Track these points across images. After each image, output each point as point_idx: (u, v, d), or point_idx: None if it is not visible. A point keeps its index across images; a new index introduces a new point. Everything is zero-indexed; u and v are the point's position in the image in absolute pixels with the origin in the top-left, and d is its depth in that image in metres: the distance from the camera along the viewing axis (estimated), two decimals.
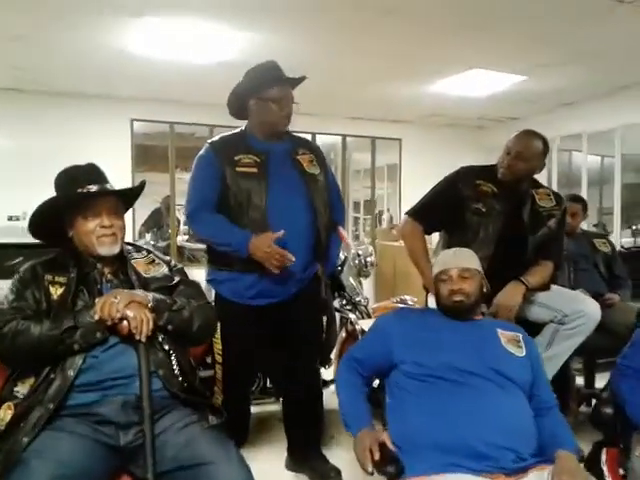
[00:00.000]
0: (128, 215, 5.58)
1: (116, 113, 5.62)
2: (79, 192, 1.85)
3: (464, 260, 2.07)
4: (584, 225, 4.10)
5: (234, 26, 3.86)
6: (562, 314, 2.43)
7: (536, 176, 2.69)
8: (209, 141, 2.42)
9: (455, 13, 3.65)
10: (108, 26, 3.81)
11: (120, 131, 5.71)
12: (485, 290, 2.08)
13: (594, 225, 6.95)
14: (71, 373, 1.69)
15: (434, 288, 2.09)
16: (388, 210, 8.96)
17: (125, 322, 1.71)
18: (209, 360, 2.88)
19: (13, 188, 4.64)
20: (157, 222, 7.18)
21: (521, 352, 1.95)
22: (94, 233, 1.84)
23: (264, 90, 2.30)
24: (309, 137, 6.45)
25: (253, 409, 3.32)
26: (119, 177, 5.18)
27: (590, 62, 4.62)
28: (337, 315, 3.37)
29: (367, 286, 5.91)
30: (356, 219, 9.81)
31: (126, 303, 1.71)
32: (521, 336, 2.01)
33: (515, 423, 1.73)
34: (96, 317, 1.70)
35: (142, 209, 6.84)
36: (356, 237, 9.62)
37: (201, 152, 2.40)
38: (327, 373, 3.29)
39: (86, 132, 5.45)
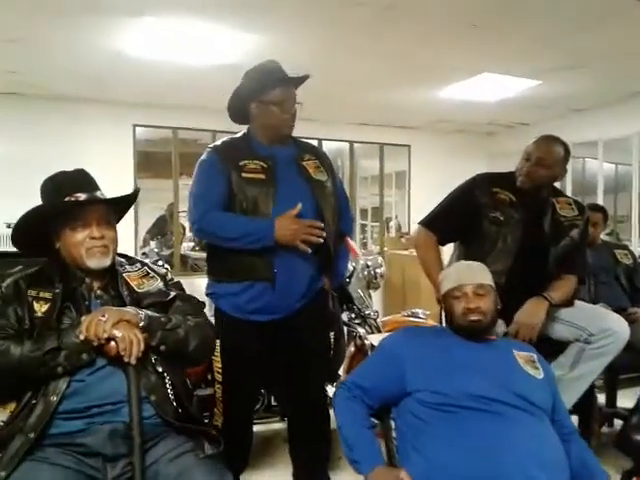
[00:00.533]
0: (130, 223, 5.52)
1: (117, 118, 5.50)
2: (66, 200, 1.71)
3: (478, 275, 1.92)
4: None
5: (237, 27, 3.74)
6: (588, 333, 2.27)
7: None
8: (211, 145, 2.30)
9: (462, 14, 3.51)
10: (107, 28, 3.70)
11: (122, 137, 5.60)
12: (498, 307, 1.93)
13: (607, 234, 6.79)
14: (54, 399, 1.55)
15: (445, 305, 1.93)
16: (396, 217, 8.82)
17: (113, 343, 1.56)
18: (210, 377, 2.75)
19: (12, 195, 4.52)
20: (161, 230, 7.07)
21: (539, 374, 1.81)
22: (83, 245, 1.70)
23: (265, 92, 2.17)
24: (315, 143, 6.33)
25: (257, 428, 3.17)
26: (121, 183, 5.15)
27: (604, 66, 4.49)
28: (345, 329, 3.22)
29: (375, 297, 5.78)
30: (363, 226, 9.70)
31: (114, 322, 1.57)
32: (535, 356, 1.87)
33: (550, 453, 1.59)
34: (81, 337, 1.56)
35: (147, 216, 6.76)
36: (364, 245, 9.53)
37: (203, 157, 2.27)
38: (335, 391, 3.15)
39: (87, 138, 5.35)
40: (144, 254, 7.49)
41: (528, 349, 1.92)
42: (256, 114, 2.22)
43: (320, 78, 4.73)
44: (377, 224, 8.12)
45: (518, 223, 2.39)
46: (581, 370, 2.27)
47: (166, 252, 6.68)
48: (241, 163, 2.16)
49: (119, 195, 1.82)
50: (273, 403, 3.07)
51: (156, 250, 7.52)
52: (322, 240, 2.10)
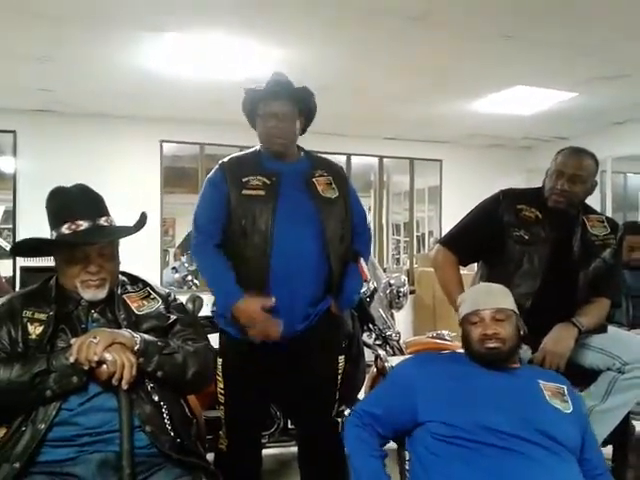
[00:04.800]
0: (155, 235, 5.48)
1: (145, 134, 5.55)
2: (64, 234, 1.63)
3: (498, 299, 1.79)
4: None
5: (263, 42, 3.74)
6: (621, 361, 2.11)
7: (588, 200, 2.38)
8: (220, 161, 2.25)
9: (496, 25, 3.40)
10: (131, 45, 3.74)
11: (149, 152, 5.65)
12: (522, 333, 1.80)
13: None
14: (42, 427, 1.50)
15: (462, 331, 1.81)
16: (431, 233, 8.67)
17: (105, 366, 1.50)
18: None
19: (42, 210, 4.58)
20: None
21: (568, 408, 1.67)
22: (78, 277, 1.64)
23: (257, 106, 2.14)
24: (344, 158, 6.28)
25: (273, 451, 3.07)
26: (148, 198, 5.14)
27: None
28: (366, 351, 3.09)
29: (404, 316, 5.64)
30: (398, 242, 9.59)
31: (106, 345, 1.51)
32: (565, 388, 1.73)
33: None
34: (71, 359, 1.50)
35: (181, 230, 6.80)
36: (397, 261, 9.40)
37: (211, 174, 2.24)
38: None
39: (115, 153, 5.42)
40: (174, 269, 7.55)
41: (557, 379, 1.78)
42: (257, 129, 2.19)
43: (348, 92, 4.74)
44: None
45: (545, 242, 2.24)
46: (614, 402, 2.11)
47: (194, 267, 6.72)
48: (244, 179, 2.11)
49: (122, 231, 1.73)
50: (290, 426, 2.97)
51: (186, 265, 7.57)
52: (277, 338, 2.04)
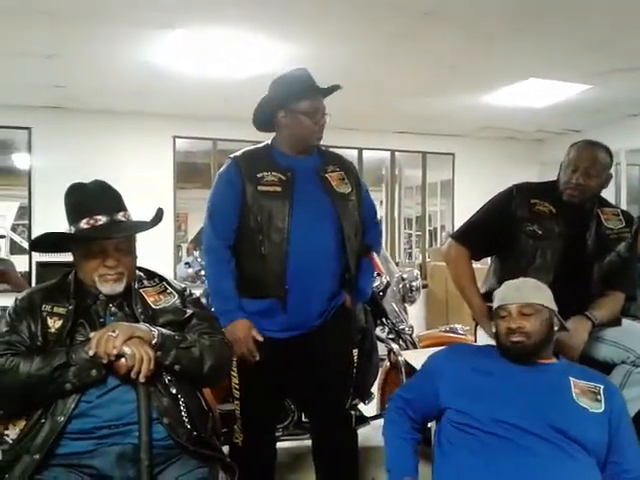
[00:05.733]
0: (169, 230, 5.50)
1: (158, 130, 5.55)
2: (83, 229, 1.65)
3: (526, 294, 1.79)
4: None
5: (273, 38, 3.72)
6: (636, 354, 2.11)
7: (603, 193, 2.37)
8: (231, 155, 2.24)
9: (507, 17, 3.37)
10: (141, 41, 3.73)
11: (162, 148, 5.65)
12: (557, 328, 1.80)
13: None
14: (61, 419, 1.52)
15: (494, 325, 1.83)
16: (443, 227, 8.65)
17: (123, 360, 1.52)
18: None
19: (56, 206, 4.62)
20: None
21: (598, 407, 1.65)
22: (96, 271, 1.66)
23: (295, 102, 2.10)
24: (355, 153, 6.27)
25: (287, 444, 3.09)
26: (161, 194, 5.14)
27: None
28: (379, 345, 3.10)
29: (417, 311, 5.63)
30: (409, 236, 9.57)
31: (125, 338, 1.53)
32: (602, 388, 1.69)
33: None
34: (91, 353, 1.52)
35: (194, 225, 6.81)
36: (409, 255, 9.38)
37: (222, 168, 2.22)
38: (368, 408, 3.04)
39: (128, 150, 5.43)
40: (187, 264, 7.57)
41: (593, 378, 1.75)
42: (284, 123, 2.15)
43: (359, 86, 4.72)
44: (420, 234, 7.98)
45: (559, 237, 2.23)
46: (629, 394, 2.07)
47: None
48: (259, 175, 2.10)
49: (140, 226, 1.75)
50: (304, 419, 2.99)
51: (199, 260, 7.59)
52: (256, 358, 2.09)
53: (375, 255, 2.27)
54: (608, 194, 2.50)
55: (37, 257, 4.33)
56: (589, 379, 1.73)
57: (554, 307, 1.80)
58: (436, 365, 1.84)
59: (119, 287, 1.68)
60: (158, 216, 1.79)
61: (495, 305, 1.83)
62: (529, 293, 1.80)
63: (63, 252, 1.77)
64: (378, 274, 2.40)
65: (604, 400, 1.66)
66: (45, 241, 1.73)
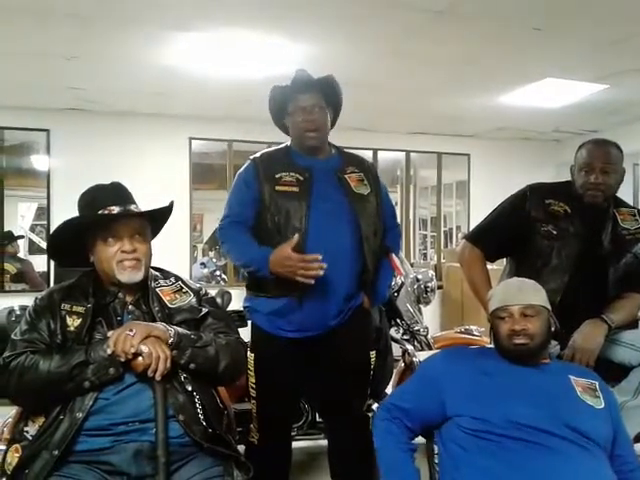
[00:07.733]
0: (185, 232, 5.56)
1: (174, 132, 5.61)
2: (99, 214, 1.70)
3: (528, 295, 1.77)
4: None
5: (287, 38, 3.74)
6: None
7: (619, 193, 2.34)
8: (251, 157, 2.26)
9: (524, 17, 3.36)
10: (157, 43, 3.78)
11: (178, 149, 5.71)
12: (553, 329, 1.79)
13: None
14: (79, 415, 1.54)
15: (492, 326, 1.80)
16: (459, 228, 8.61)
17: (140, 358, 1.55)
18: None
19: (74, 206, 4.68)
20: (218, 240, 7.19)
21: (600, 403, 1.66)
22: (114, 258, 1.69)
23: (287, 104, 2.15)
24: (370, 154, 6.27)
25: (301, 444, 3.09)
26: (177, 195, 5.20)
27: None
28: (393, 345, 3.10)
29: (432, 312, 5.61)
30: (425, 237, 9.54)
31: (142, 337, 1.56)
32: (597, 384, 1.71)
33: None
34: (109, 351, 1.55)
35: (210, 226, 6.87)
36: (424, 256, 9.35)
37: (242, 169, 2.25)
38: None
39: (145, 151, 5.49)
40: (202, 264, 7.63)
41: (588, 375, 1.77)
42: (289, 127, 2.21)
43: (375, 87, 4.72)
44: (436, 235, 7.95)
45: (574, 237, 2.21)
46: None
47: (222, 262, 6.78)
48: (277, 176, 2.11)
49: (153, 208, 1.79)
50: (318, 419, 3.00)
51: (214, 260, 7.65)
52: (322, 273, 1.96)
53: (394, 257, 2.26)
54: (625, 194, 2.48)
55: None
56: (585, 376, 1.74)
57: (549, 307, 1.80)
58: (435, 371, 1.76)
59: (137, 276, 1.70)
60: (169, 207, 1.84)
61: (494, 306, 1.78)
62: (530, 294, 1.78)
63: (80, 256, 1.78)
64: (399, 275, 2.39)
65: (601, 396, 1.67)
66: (63, 234, 1.74)
